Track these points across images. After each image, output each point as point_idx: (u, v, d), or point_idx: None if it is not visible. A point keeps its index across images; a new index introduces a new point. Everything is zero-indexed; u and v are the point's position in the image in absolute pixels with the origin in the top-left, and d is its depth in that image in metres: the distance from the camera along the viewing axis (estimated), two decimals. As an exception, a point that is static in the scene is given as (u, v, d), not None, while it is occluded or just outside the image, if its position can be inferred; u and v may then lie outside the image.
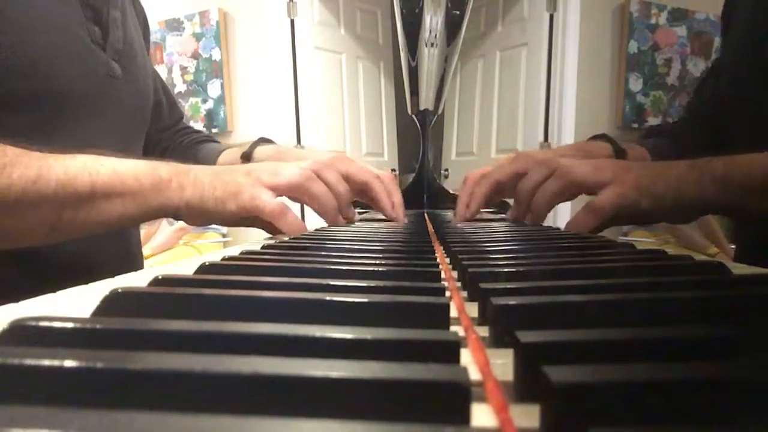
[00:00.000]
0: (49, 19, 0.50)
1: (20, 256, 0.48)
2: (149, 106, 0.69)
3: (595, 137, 0.74)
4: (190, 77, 2.53)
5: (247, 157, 0.72)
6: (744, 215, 0.47)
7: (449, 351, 0.13)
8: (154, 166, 0.46)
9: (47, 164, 0.40)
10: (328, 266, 0.26)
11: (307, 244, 0.39)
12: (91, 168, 0.42)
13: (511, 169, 0.59)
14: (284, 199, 0.52)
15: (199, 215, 0.48)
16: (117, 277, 0.27)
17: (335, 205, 0.53)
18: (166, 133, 0.80)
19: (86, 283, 0.25)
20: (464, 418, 0.11)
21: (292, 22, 2.37)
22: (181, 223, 2.31)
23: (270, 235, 0.55)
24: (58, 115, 0.50)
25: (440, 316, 0.17)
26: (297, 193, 0.52)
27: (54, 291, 0.23)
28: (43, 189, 0.39)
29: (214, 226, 2.46)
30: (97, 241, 0.54)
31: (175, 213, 0.47)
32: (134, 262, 0.67)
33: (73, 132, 0.52)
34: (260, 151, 0.72)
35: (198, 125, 2.51)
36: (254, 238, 0.53)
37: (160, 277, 0.22)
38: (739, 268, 0.29)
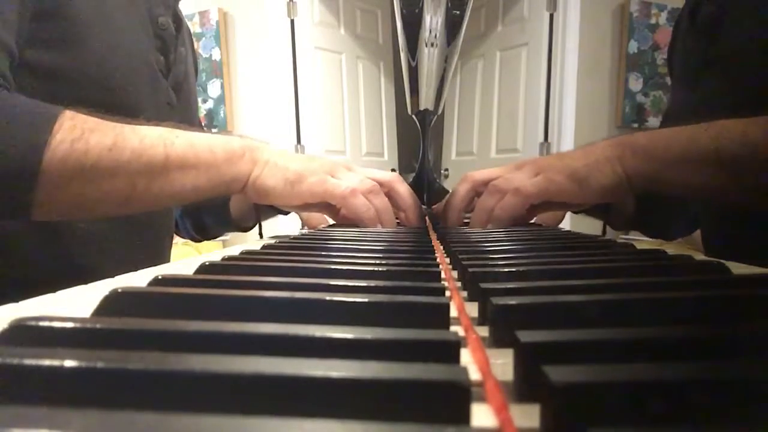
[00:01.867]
0: (129, 41, 0.53)
1: (47, 257, 0.49)
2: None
3: None
4: (190, 77, 2.53)
5: None
6: (665, 190, 0.47)
7: (449, 351, 0.13)
8: (228, 139, 0.47)
9: (123, 133, 0.40)
10: (328, 266, 0.26)
11: (308, 244, 0.39)
12: (167, 139, 0.42)
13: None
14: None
15: (264, 193, 0.48)
16: (117, 277, 0.27)
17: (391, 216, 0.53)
18: None
19: None
20: (464, 417, 0.11)
21: (292, 21, 2.36)
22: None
23: (271, 235, 0.55)
24: None
25: (440, 316, 0.17)
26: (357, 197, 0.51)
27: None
28: (118, 156, 0.39)
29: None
30: (131, 245, 0.54)
31: (243, 187, 0.48)
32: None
33: None
34: None
35: (198, 125, 2.51)
36: (254, 238, 0.53)
37: (159, 277, 0.22)
38: (739, 268, 0.29)
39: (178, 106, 0.61)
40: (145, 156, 0.41)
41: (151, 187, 0.42)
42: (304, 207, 0.52)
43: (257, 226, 0.68)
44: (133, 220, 0.55)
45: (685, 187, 0.45)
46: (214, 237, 0.81)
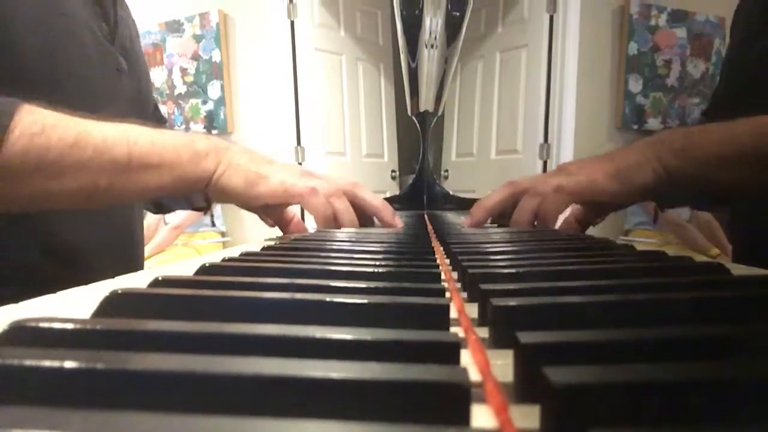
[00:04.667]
0: (64, 12, 0.50)
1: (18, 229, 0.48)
2: (150, 105, 0.71)
3: None
4: (190, 79, 2.53)
5: None
6: (706, 187, 0.48)
7: (449, 352, 0.13)
8: (192, 138, 0.47)
9: (86, 129, 0.40)
10: (328, 267, 0.26)
11: (307, 246, 0.39)
12: (130, 137, 0.42)
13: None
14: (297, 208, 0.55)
15: (225, 192, 0.49)
16: (117, 278, 0.27)
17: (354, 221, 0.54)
18: None
19: (83, 277, 0.25)
20: (464, 418, 0.11)
21: (292, 23, 2.37)
22: (176, 222, 2.31)
23: (269, 236, 0.55)
24: (69, 104, 0.51)
25: (440, 317, 0.17)
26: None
27: (48, 285, 0.23)
28: (80, 154, 0.39)
29: (213, 225, 2.47)
30: (98, 234, 0.54)
31: (206, 187, 0.48)
32: (135, 261, 0.67)
33: None
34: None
35: (198, 126, 2.52)
36: (254, 239, 0.54)
37: (160, 278, 0.22)
38: (739, 269, 0.29)
39: (128, 73, 0.60)
40: (108, 154, 0.40)
41: (114, 185, 0.42)
42: (264, 209, 0.53)
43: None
44: None
45: (725, 183, 0.46)
46: (168, 212, 0.83)
